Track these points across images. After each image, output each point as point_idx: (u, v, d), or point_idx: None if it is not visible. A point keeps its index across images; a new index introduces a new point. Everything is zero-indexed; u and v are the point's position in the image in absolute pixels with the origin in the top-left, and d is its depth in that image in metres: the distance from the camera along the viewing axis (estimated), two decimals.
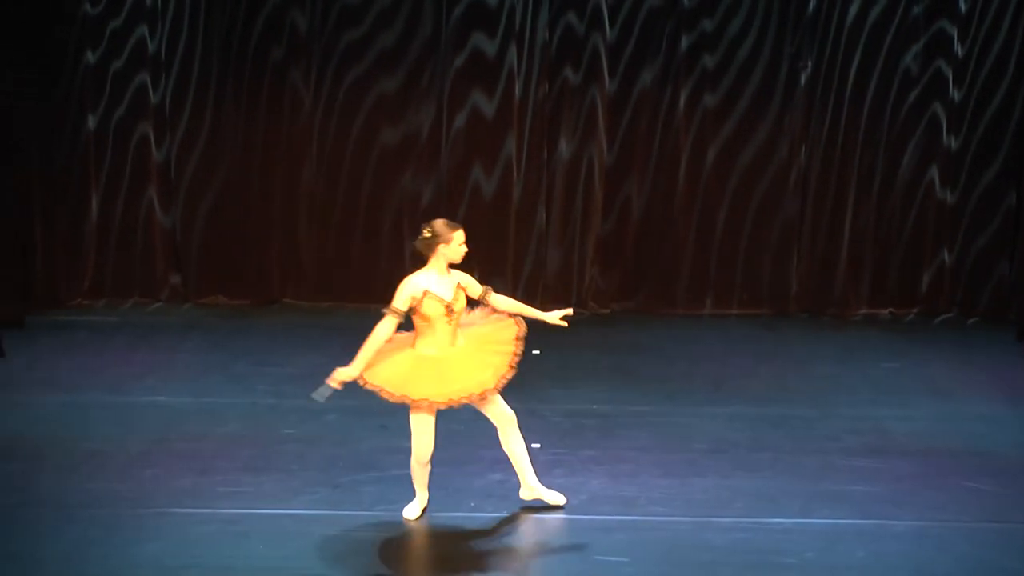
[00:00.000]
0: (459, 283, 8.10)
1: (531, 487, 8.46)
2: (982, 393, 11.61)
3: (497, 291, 8.28)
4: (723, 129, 14.92)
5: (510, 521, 8.34)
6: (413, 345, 8.07)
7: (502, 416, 8.22)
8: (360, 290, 14.90)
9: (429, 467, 8.17)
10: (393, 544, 7.94)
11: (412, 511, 8.25)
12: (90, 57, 14.66)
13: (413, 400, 7.92)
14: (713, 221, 15.00)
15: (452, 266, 8.11)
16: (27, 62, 13.97)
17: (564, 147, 14.94)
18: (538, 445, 9.32)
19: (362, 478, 9.02)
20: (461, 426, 8.94)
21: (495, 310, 8.23)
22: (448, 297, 8.01)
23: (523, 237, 14.96)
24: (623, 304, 15.12)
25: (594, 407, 10.96)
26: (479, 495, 8.63)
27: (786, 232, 15.03)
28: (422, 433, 8.03)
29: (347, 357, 12.48)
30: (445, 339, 8.06)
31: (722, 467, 9.41)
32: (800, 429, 10.48)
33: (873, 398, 11.51)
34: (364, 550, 7.78)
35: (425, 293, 7.97)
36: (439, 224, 8.11)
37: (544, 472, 8.93)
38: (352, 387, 11.42)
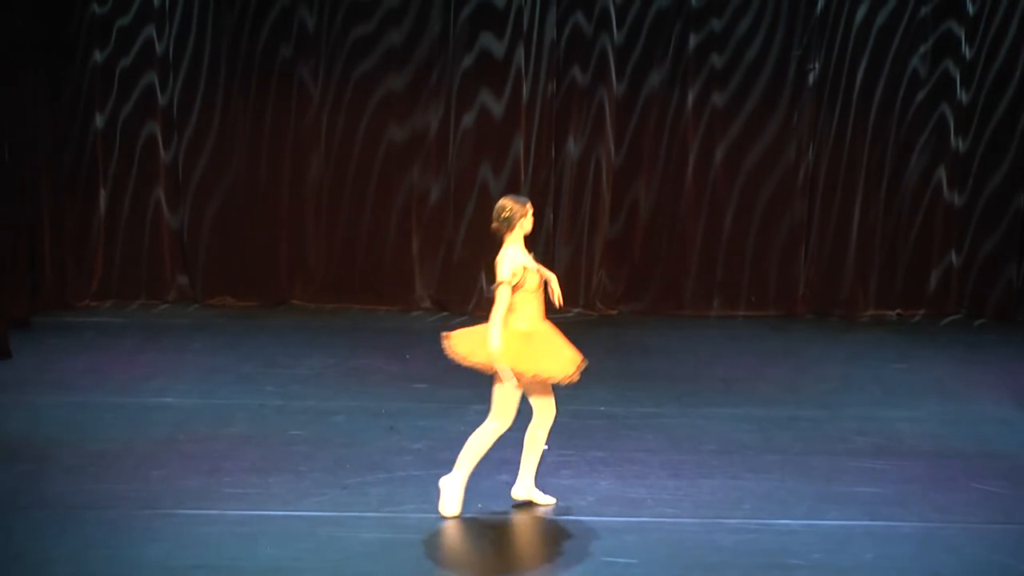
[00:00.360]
0: (532, 255, 8.22)
1: (527, 487, 8.49)
2: (991, 394, 11.59)
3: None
4: (731, 130, 14.90)
5: (517, 522, 8.33)
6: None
7: (548, 408, 8.28)
8: (367, 291, 14.91)
9: None
10: (401, 545, 7.93)
11: (451, 505, 8.20)
12: (98, 57, 14.66)
13: (543, 379, 8.00)
14: (720, 222, 14.98)
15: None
16: (34, 61, 13.96)
17: (572, 148, 14.92)
18: (546, 447, 9.30)
19: (370, 479, 9.00)
20: (466, 427, 8.91)
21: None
22: (536, 269, 8.11)
23: (530, 238, 14.89)
24: (631, 305, 15.10)
25: (601, 408, 10.94)
26: (486, 496, 8.61)
27: (794, 233, 15.01)
28: (511, 406, 8.05)
29: (354, 357, 12.67)
30: (538, 312, 8.15)
31: (730, 468, 9.39)
32: (808, 430, 10.47)
33: (881, 399, 11.50)
34: (372, 551, 7.77)
35: (524, 268, 8.01)
36: (511, 201, 8.27)
37: (551, 473, 8.93)
38: (356, 389, 11.53)
